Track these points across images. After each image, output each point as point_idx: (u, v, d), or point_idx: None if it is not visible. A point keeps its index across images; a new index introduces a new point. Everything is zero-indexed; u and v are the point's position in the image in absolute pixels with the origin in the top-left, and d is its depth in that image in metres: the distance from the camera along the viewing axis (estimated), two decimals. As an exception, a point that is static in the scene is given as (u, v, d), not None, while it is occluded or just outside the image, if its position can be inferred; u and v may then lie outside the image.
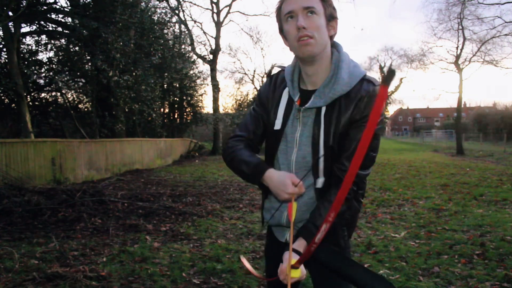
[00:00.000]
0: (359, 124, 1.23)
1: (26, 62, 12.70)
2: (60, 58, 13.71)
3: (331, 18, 1.26)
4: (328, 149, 1.27)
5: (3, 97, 12.88)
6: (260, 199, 1.63)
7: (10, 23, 10.19)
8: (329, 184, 1.30)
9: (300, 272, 1.16)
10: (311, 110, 1.29)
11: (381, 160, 15.62)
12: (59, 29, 13.42)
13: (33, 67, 12.77)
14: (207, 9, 37.20)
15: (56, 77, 12.88)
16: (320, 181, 1.30)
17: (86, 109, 15.19)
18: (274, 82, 1.42)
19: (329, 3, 1.26)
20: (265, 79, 1.56)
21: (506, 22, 17.72)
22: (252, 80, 33.82)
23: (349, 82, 1.24)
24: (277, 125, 1.36)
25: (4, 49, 11.57)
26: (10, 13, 9.96)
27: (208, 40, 34.60)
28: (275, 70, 1.47)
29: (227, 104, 44.43)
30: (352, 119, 1.24)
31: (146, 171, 12.55)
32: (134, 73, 13.62)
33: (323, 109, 1.27)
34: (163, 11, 17.80)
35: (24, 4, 10.43)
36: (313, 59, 1.26)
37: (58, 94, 14.36)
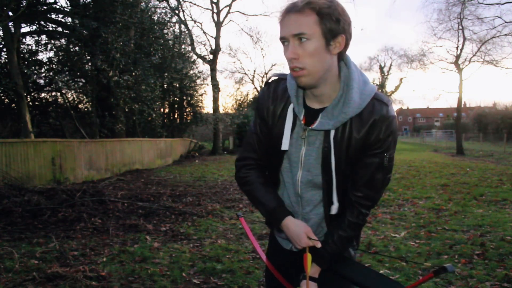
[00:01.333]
0: (374, 150, 1.18)
1: (26, 62, 12.71)
2: (60, 58, 13.71)
3: (333, 35, 1.11)
4: (340, 173, 1.22)
5: (3, 97, 12.89)
6: None
7: (10, 23, 10.19)
8: (342, 207, 1.29)
9: None
10: (319, 131, 1.21)
11: (381, 160, 15.59)
12: (59, 29, 13.43)
13: (33, 67, 12.78)
14: (207, 9, 37.25)
15: (56, 77, 12.88)
16: (335, 208, 1.28)
17: (86, 109, 15.19)
18: (274, 93, 1.29)
19: (330, 18, 1.09)
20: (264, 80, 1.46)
21: (506, 22, 17.74)
22: (252, 80, 33.87)
23: (360, 103, 1.15)
24: (285, 146, 1.25)
25: (4, 49, 11.58)
26: (10, 13, 9.96)
27: (208, 40, 34.63)
28: (273, 79, 1.34)
29: (227, 104, 44.45)
30: (366, 143, 1.18)
31: (146, 171, 12.55)
32: (134, 73, 13.62)
33: (332, 132, 1.19)
34: (163, 11, 17.85)
35: (24, 4, 10.43)
36: (312, 86, 1.17)
37: (58, 94, 14.37)
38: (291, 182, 1.31)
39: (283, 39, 1.14)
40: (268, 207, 1.29)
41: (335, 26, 1.10)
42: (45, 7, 12.39)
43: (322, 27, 1.09)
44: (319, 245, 1.23)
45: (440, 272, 0.94)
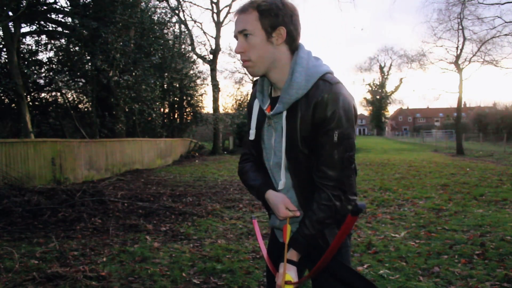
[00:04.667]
0: (324, 127, 1.22)
1: (26, 62, 12.70)
2: (60, 58, 13.71)
3: (272, 29, 1.23)
4: (297, 151, 1.28)
5: (3, 97, 12.88)
6: None
7: (10, 23, 10.20)
8: (308, 185, 1.31)
9: (292, 286, 1.27)
10: (280, 116, 1.30)
11: (381, 160, 15.62)
12: (59, 29, 13.43)
13: (33, 67, 12.77)
14: (207, 9, 37.13)
15: (56, 77, 12.87)
16: (281, 183, 1.34)
17: (86, 109, 15.18)
18: (254, 91, 1.46)
19: (268, 13, 1.22)
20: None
21: (506, 22, 17.75)
22: (252, 80, 33.81)
23: (305, 84, 1.23)
24: (251, 135, 1.40)
25: (4, 49, 11.58)
26: (10, 13, 9.97)
27: (208, 40, 34.66)
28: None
29: (227, 104, 44.42)
30: (315, 122, 1.23)
31: (146, 171, 12.55)
32: (134, 73, 13.62)
33: (284, 114, 1.28)
34: (163, 11, 17.81)
35: (24, 4, 10.43)
36: (260, 75, 1.31)
37: (58, 94, 14.36)
38: (269, 168, 1.42)
39: (235, 37, 1.29)
40: (254, 187, 1.41)
41: (274, 20, 1.23)
42: (45, 7, 12.39)
43: (262, 21, 1.23)
44: (298, 214, 1.31)
45: (355, 210, 0.98)
